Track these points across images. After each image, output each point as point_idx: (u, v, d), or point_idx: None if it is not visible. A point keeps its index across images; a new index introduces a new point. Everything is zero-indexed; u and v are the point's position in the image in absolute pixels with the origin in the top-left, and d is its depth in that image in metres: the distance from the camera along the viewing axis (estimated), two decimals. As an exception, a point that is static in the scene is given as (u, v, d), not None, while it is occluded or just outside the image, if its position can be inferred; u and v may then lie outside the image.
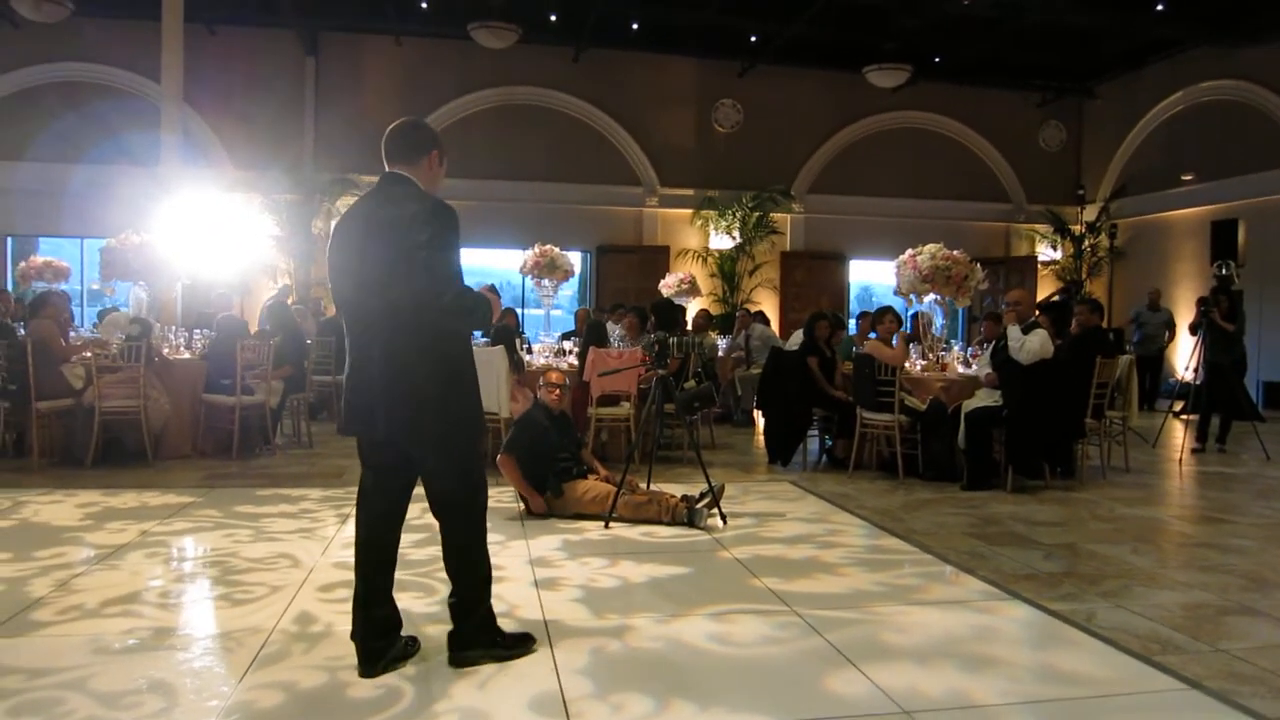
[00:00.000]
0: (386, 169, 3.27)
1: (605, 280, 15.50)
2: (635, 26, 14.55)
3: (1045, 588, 4.33)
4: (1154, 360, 13.04)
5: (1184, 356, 10.73)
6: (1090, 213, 16.59)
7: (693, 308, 13.81)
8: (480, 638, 3.32)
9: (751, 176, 15.58)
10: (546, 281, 10.33)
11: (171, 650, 3.45)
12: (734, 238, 15.48)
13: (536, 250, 10.33)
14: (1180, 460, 8.43)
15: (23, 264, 11.92)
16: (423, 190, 3.20)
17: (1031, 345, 6.62)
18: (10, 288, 12.85)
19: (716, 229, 15.56)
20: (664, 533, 5.32)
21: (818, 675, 3.27)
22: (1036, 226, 16.92)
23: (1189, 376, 9.36)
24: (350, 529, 5.28)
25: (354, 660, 3.27)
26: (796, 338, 8.57)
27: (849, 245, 16.55)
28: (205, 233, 10.48)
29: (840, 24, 13.98)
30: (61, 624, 3.67)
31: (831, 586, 4.34)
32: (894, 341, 7.44)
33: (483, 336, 7.47)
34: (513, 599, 4.03)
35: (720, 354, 11.10)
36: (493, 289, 3.26)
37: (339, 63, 14.94)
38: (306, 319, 11.46)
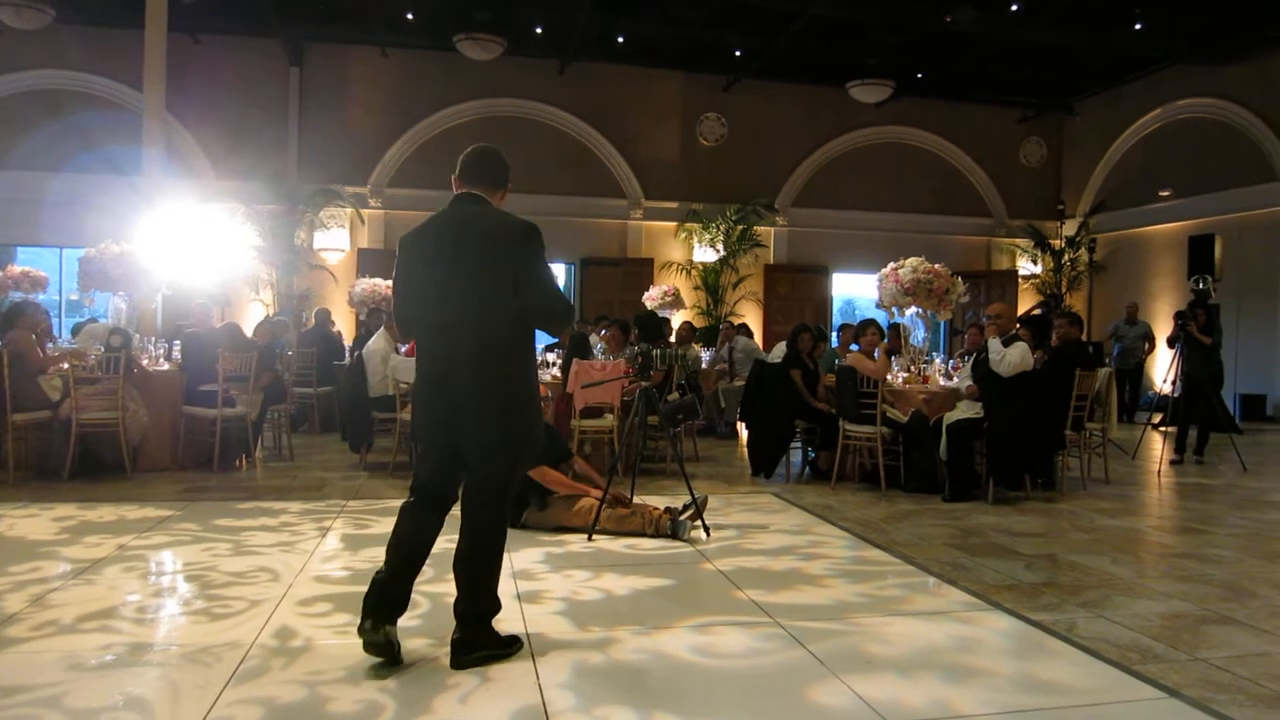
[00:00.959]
0: (464, 189, 3.42)
1: (590, 292, 15.51)
2: (620, 40, 14.61)
3: (1026, 598, 4.35)
4: (1133, 373, 13.18)
5: (1162, 369, 10.84)
6: (1070, 227, 16.76)
7: (676, 320, 13.84)
8: (484, 639, 3.43)
9: (735, 190, 15.65)
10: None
11: (148, 666, 3.41)
12: (718, 250, 15.54)
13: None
14: (1159, 471, 8.49)
15: (0, 273, 11.80)
16: (511, 214, 3.38)
17: (1012, 358, 6.67)
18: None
19: (700, 242, 15.62)
20: (647, 545, 5.31)
21: (801, 687, 3.27)
22: (1017, 241, 17.07)
23: (1167, 389, 9.45)
24: (331, 542, 5.28)
25: (335, 675, 3.26)
26: (779, 350, 8.60)
27: (832, 258, 16.64)
28: (186, 243, 10.41)
29: (823, 39, 14.10)
30: (36, 640, 3.62)
31: (814, 598, 4.34)
32: (876, 354, 7.47)
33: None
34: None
35: (704, 366, 11.12)
36: None
37: (324, 73, 14.92)
38: (288, 330, 11.42)
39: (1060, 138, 17.59)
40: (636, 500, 5.87)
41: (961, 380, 7.35)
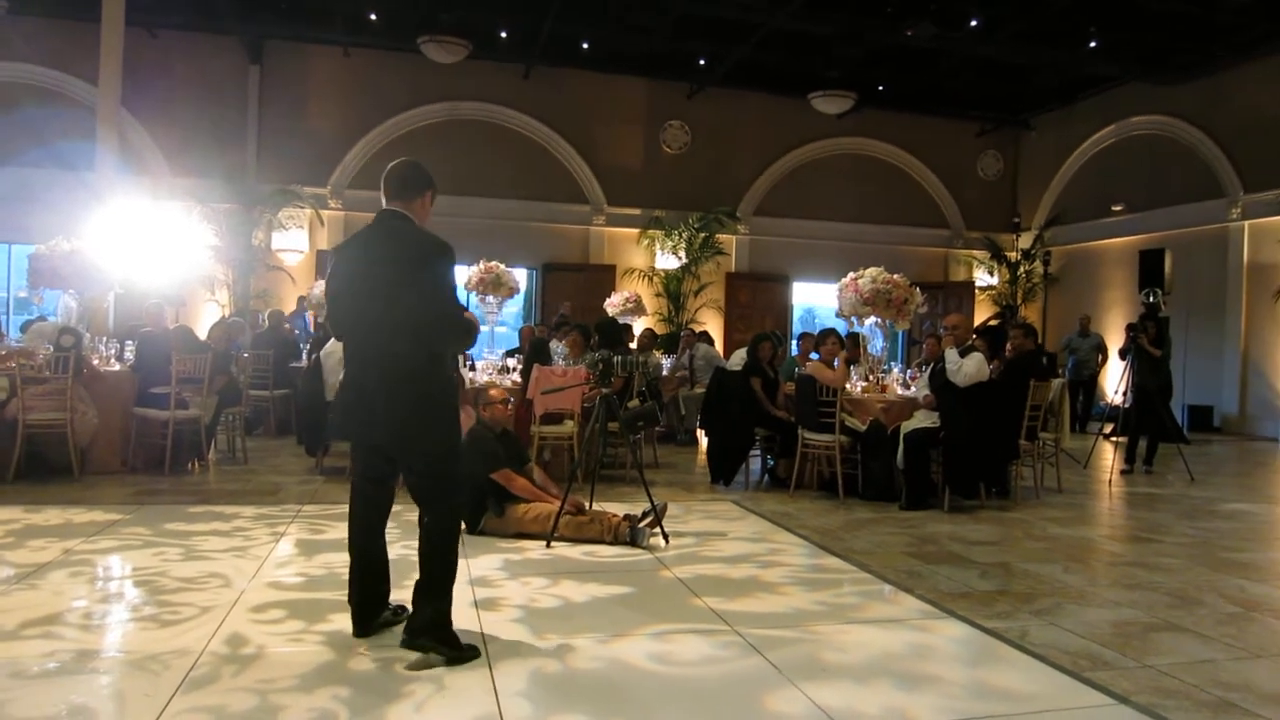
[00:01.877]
0: (385, 205, 3.64)
1: (551, 298, 15.46)
2: (586, 46, 14.62)
3: (980, 606, 4.40)
4: (1086, 384, 13.43)
5: (1114, 380, 11.04)
6: (1025, 240, 17.05)
7: (638, 326, 13.83)
8: (433, 630, 3.48)
9: (698, 198, 15.72)
10: (491, 298, 10.26)
11: (94, 674, 3.34)
12: (680, 258, 15.58)
13: (482, 266, 10.26)
14: (1110, 481, 8.65)
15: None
16: (418, 226, 3.60)
17: (968, 368, 6.75)
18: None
19: (663, 249, 15.66)
20: (606, 552, 5.30)
21: (758, 694, 3.28)
22: (974, 253, 17.33)
23: (1118, 400, 9.63)
24: (285, 548, 5.21)
25: (287, 683, 3.22)
26: (738, 357, 8.63)
27: (793, 267, 16.76)
28: (140, 241, 10.23)
29: (787, 50, 14.23)
30: (-23, 645, 3.52)
31: (772, 606, 4.36)
32: (835, 363, 7.53)
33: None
34: (452, 618, 3.98)
35: (664, 373, 11.14)
36: (467, 311, 3.65)
37: (284, 72, 14.74)
38: (244, 332, 11.25)
39: (1017, 152, 17.90)
40: (596, 507, 5.86)
41: (919, 390, 7.43)
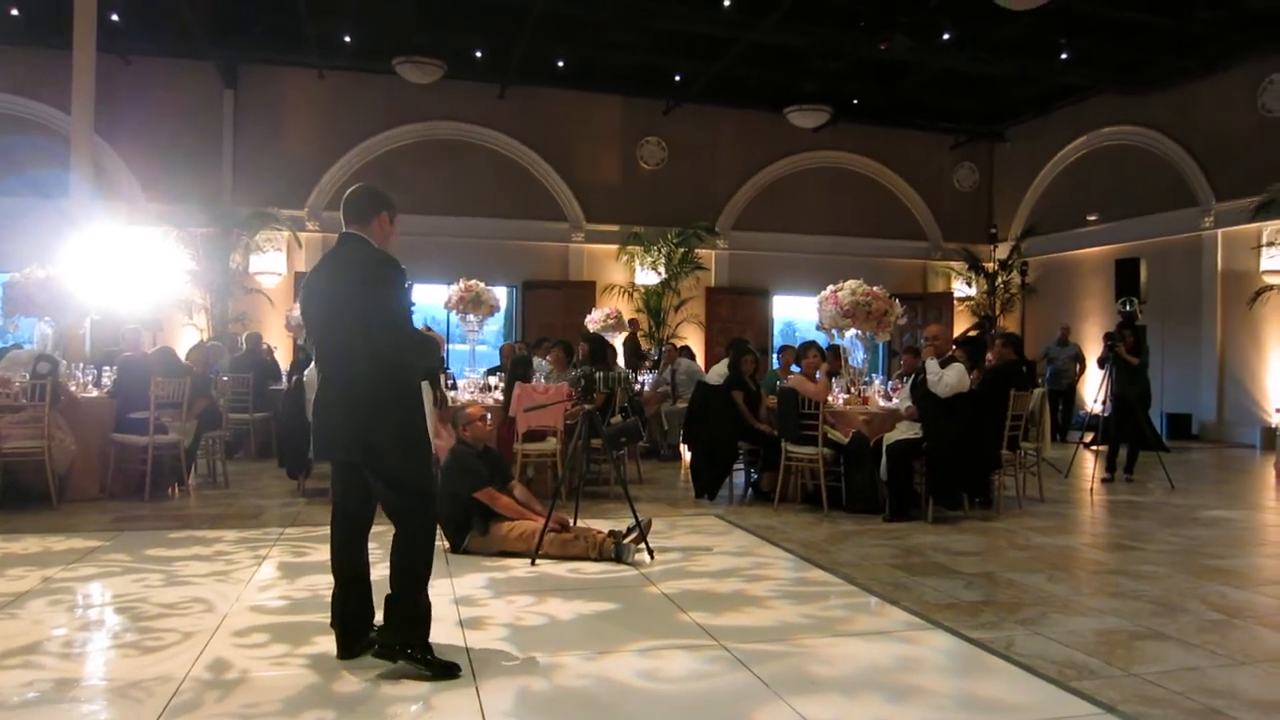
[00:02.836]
0: (344, 230, 3.70)
1: (531, 315, 15.45)
2: (561, 64, 14.67)
3: (966, 616, 4.41)
4: (1065, 393, 13.52)
5: (1093, 390, 11.13)
6: (1003, 251, 17.19)
7: (620, 343, 13.83)
8: (402, 638, 3.50)
9: (676, 213, 15.76)
10: (472, 317, 10.25)
11: (75, 703, 3.29)
12: (659, 273, 15.61)
13: (461, 285, 10.27)
14: (1091, 490, 8.70)
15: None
16: (372, 246, 3.63)
17: (949, 379, 6.79)
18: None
19: (642, 264, 15.68)
20: (591, 569, 5.28)
21: (746, 709, 3.27)
22: (952, 264, 17.45)
23: (1098, 409, 9.70)
24: (268, 571, 5.16)
25: (271, 707, 3.19)
26: (718, 370, 8.63)
27: (772, 281, 16.82)
28: (116, 266, 10.15)
29: (762, 65, 14.33)
30: (-46, 678, 3.47)
31: (759, 620, 4.36)
32: (817, 376, 7.55)
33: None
34: (437, 638, 3.93)
35: (646, 388, 11.15)
36: (428, 329, 3.68)
37: (259, 95, 14.70)
38: (222, 355, 11.17)
39: (992, 163, 18.08)
40: (580, 524, 5.84)
41: (901, 401, 7.46)
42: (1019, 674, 3.64)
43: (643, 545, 5.55)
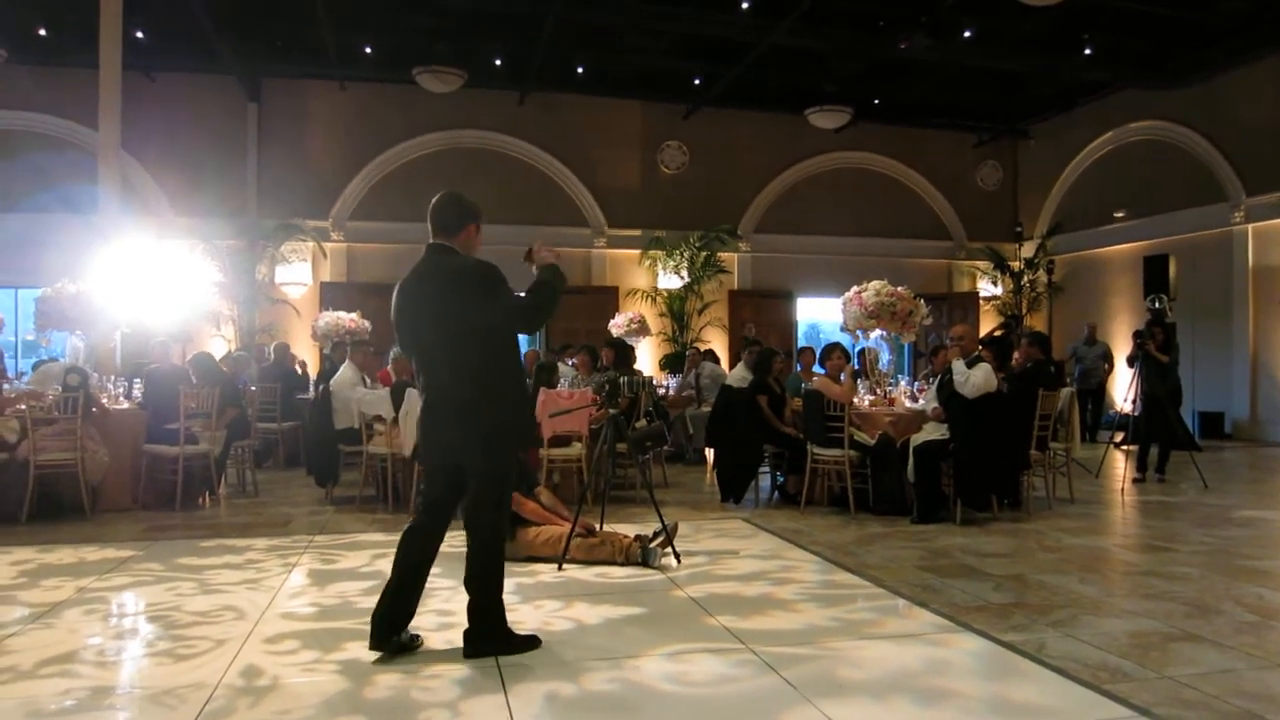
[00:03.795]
0: (432, 240, 3.84)
1: (554, 321, 15.44)
2: (580, 70, 14.71)
3: (996, 619, 4.38)
4: (1094, 393, 13.38)
5: (1123, 388, 11.00)
6: (1028, 249, 17.04)
7: (643, 347, 13.86)
8: (491, 637, 3.81)
9: (698, 217, 15.75)
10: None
11: (111, 710, 3.33)
12: (682, 277, 15.60)
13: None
14: (1122, 490, 8.60)
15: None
16: (464, 255, 3.81)
17: (976, 379, 6.74)
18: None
19: (665, 269, 15.68)
20: (618, 573, 5.28)
21: (775, 713, 3.26)
22: (977, 263, 17.32)
23: (1128, 408, 9.58)
24: (297, 579, 5.21)
25: (303, 713, 3.23)
26: (737, 373, 8.61)
27: (796, 283, 16.77)
28: (144, 280, 10.28)
29: (781, 67, 14.30)
30: (-7, 687, 3.52)
31: (786, 623, 4.34)
32: (842, 378, 7.52)
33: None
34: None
35: (671, 393, 11.16)
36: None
37: (282, 108, 14.86)
38: (249, 365, 11.28)
39: (1016, 161, 17.93)
40: (606, 528, 5.85)
41: (927, 402, 7.41)
42: (1051, 677, 3.60)
43: (669, 549, 5.55)
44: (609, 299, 15.49)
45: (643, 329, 13.66)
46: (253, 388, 9.87)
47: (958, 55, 13.53)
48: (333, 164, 15.00)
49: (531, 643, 3.89)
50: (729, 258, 16.16)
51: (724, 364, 13.48)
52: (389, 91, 14.68)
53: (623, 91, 15.57)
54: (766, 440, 7.81)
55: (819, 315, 18.02)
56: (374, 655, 3.80)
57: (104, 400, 7.81)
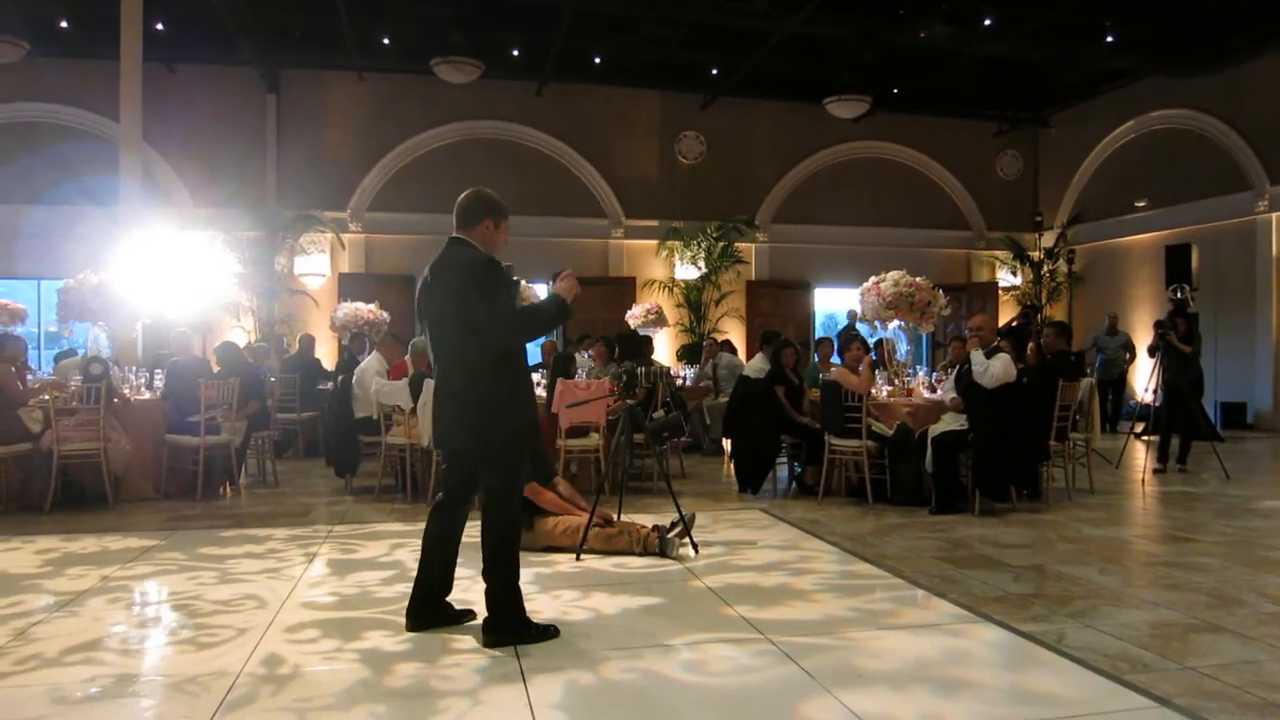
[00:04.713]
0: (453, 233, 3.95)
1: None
2: (598, 60, 14.68)
3: (1015, 609, 4.36)
4: (1115, 383, 13.27)
5: (1143, 379, 10.92)
6: (1048, 239, 16.90)
7: (660, 339, 13.85)
8: (506, 628, 3.84)
9: (716, 207, 15.71)
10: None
11: (135, 697, 3.38)
12: (699, 268, 15.57)
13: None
14: (1143, 481, 8.54)
15: (-22, 306, 11.71)
16: (474, 250, 3.86)
17: (995, 369, 6.71)
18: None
19: (682, 259, 15.65)
20: (636, 563, 5.30)
21: (793, 703, 3.26)
22: (996, 253, 17.20)
23: (1149, 398, 9.51)
24: (318, 568, 5.25)
25: (324, 701, 3.26)
26: (755, 364, 8.59)
27: (813, 274, 16.70)
28: (165, 271, 10.36)
29: (799, 56, 14.21)
30: (20, 674, 3.57)
31: (805, 613, 4.34)
32: (860, 368, 7.49)
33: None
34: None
35: (688, 383, 11.15)
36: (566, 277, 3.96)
37: (301, 99, 14.90)
38: (269, 356, 11.36)
39: (1036, 150, 17.77)
40: (624, 519, 5.86)
41: (945, 392, 7.38)
42: (1071, 667, 3.59)
43: (687, 539, 5.56)
44: (626, 289, 15.48)
45: (660, 320, 13.66)
46: (272, 378, 9.94)
47: (977, 43, 13.41)
48: (351, 155, 15.05)
49: (549, 632, 3.92)
50: (746, 248, 16.12)
51: (741, 355, 13.46)
52: (407, 82, 14.70)
53: (640, 81, 15.53)
54: (784, 431, 7.79)
55: (837, 305, 17.92)
56: (395, 644, 3.83)
57: (125, 391, 7.89)
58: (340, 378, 8.93)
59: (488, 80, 13.67)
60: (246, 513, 7.11)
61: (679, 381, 10.89)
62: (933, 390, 7.90)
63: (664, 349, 15.14)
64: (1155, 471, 8.92)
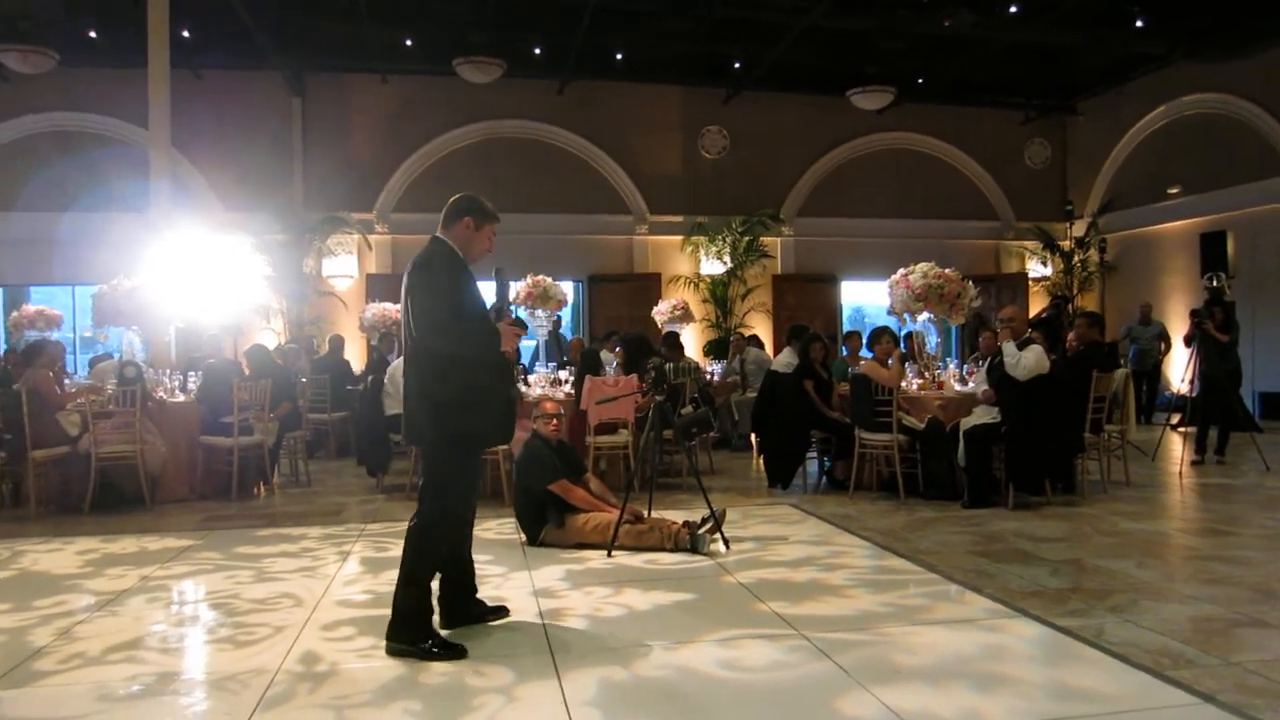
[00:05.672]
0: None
1: (598, 309, 15.51)
2: (619, 57, 14.66)
3: (1052, 604, 4.31)
4: (1149, 374, 13.09)
5: (1179, 369, 10.76)
6: (1079, 228, 16.67)
7: (688, 335, 13.82)
8: (404, 634, 3.69)
9: (740, 201, 15.65)
10: (540, 312, 10.35)
11: (176, 695, 3.42)
12: (725, 262, 15.52)
13: (529, 281, 10.36)
14: (1180, 473, 8.42)
15: (15, 313, 11.91)
16: (443, 249, 3.83)
17: (1027, 361, 6.63)
18: (2, 338, 12.83)
19: (707, 254, 15.61)
20: (667, 560, 5.29)
21: (829, 699, 3.25)
22: (1026, 243, 17.01)
23: (1185, 389, 9.36)
24: (352, 566, 5.30)
25: (361, 698, 3.29)
26: (783, 358, 8.53)
27: (840, 267, 16.61)
28: (196, 275, 10.47)
29: (822, 48, 14.12)
30: (64, 673, 3.63)
31: (838, 609, 4.32)
32: (890, 362, 7.44)
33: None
34: (518, 630, 4.01)
35: (716, 379, 11.12)
36: (516, 321, 3.88)
37: (326, 103, 15.01)
38: (300, 357, 11.46)
39: (1065, 138, 17.55)
40: (654, 515, 5.86)
41: (977, 385, 7.31)
42: (1111, 663, 3.54)
43: (718, 535, 5.55)
44: (652, 286, 15.46)
45: (686, 315, 13.64)
46: (303, 379, 10.03)
47: (1003, 31, 13.25)
48: (376, 157, 15.13)
49: (454, 652, 3.66)
50: (772, 242, 16.03)
51: (768, 349, 13.41)
52: (430, 84, 14.76)
53: (662, 77, 15.49)
54: (813, 425, 7.75)
55: (864, 299, 17.83)
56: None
57: (160, 394, 7.98)
58: (370, 378, 8.99)
59: (510, 79, 13.69)
60: (280, 512, 7.18)
61: (707, 377, 10.86)
62: (963, 383, 7.82)
63: (691, 345, 15.11)
64: (1193, 463, 8.79)
